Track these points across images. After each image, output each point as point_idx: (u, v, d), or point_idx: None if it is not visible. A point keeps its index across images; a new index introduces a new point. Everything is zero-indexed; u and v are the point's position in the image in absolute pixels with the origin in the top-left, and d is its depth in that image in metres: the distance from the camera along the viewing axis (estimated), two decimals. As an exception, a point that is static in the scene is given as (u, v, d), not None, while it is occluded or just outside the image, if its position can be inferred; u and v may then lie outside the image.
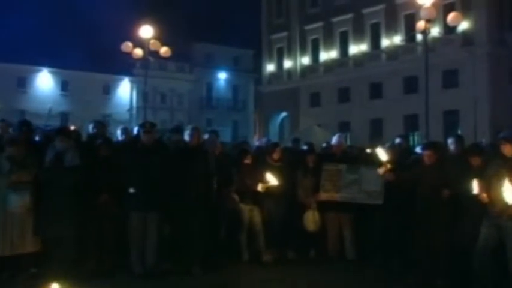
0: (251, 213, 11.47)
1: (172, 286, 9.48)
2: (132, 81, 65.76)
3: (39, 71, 65.05)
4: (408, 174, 10.26)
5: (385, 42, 47.30)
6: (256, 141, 20.97)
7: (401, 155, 11.55)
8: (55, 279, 8.31)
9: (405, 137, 13.56)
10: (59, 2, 62.44)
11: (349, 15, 49.90)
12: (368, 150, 13.73)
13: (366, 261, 11.26)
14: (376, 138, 34.66)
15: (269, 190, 11.44)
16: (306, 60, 54.61)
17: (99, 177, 9.87)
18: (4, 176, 9.39)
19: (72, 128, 14.00)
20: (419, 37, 37.34)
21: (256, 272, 10.76)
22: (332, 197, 11.73)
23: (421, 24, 24.64)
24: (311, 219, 11.68)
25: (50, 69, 64.90)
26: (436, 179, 9.63)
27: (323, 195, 11.76)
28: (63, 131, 10.66)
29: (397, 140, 12.99)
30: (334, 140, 12.70)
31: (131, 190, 9.90)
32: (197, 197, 10.19)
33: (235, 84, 73.87)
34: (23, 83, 64.38)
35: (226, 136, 44.93)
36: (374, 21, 48.40)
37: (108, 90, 67.98)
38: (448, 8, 36.10)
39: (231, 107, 72.57)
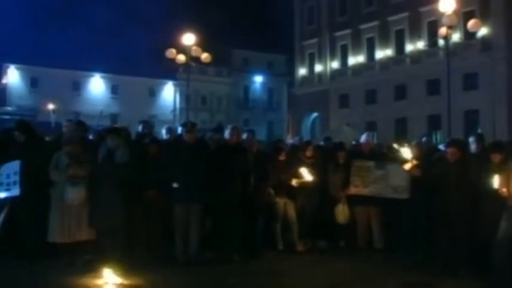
0: (285, 206, 11.48)
1: (213, 273, 9.47)
2: (175, 85, 66.10)
3: (92, 76, 65.83)
4: (433, 170, 10.18)
5: (409, 48, 47.13)
6: (289, 140, 20.91)
7: (427, 152, 11.49)
8: (108, 265, 8.47)
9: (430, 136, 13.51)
10: (111, 15, 63.00)
11: (375, 23, 49.77)
12: (395, 147, 13.71)
13: (393, 251, 11.20)
14: (401, 136, 34.49)
15: (302, 185, 11.46)
16: (335, 64, 54.52)
17: (147, 173, 9.96)
18: (62, 171, 9.52)
19: (122, 127, 14.11)
20: (441, 42, 37.15)
21: (290, 260, 10.74)
22: (361, 192, 11.66)
23: (442, 31, 24.60)
24: (341, 211, 11.65)
25: (102, 74, 65.63)
26: (459, 175, 9.54)
27: (353, 190, 11.70)
28: (114, 130, 10.75)
29: (424, 139, 12.96)
30: (363, 138, 12.64)
31: (175, 185, 9.95)
32: (236, 191, 10.21)
33: (270, 87, 73.84)
34: (77, 87, 65.20)
35: (261, 135, 44.91)
36: (399, 28, 48.20)
37: (153, 93, 68.43)
38: (468, 16, 35.74)
39: (266, 108, 72.54)
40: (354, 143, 14.46)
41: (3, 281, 8.34)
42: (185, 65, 31.28)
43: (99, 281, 8.32)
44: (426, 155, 11.12)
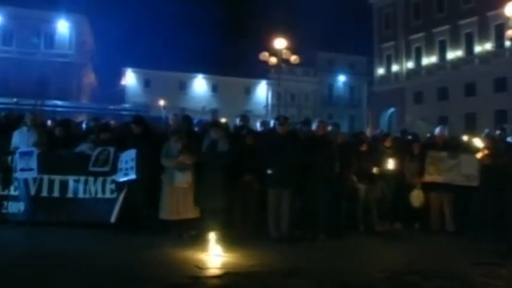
0: (366, 191, 11.35)
1: (302, 249, 9.45)
2: (268, 84, 66.21)
3: (195, 77, 66.78)
4: (502, 159, 9.87)
5: (477, 49, 45.90)
6: (368, 132, 20.64)
7: (498, 144, 11.21)
8: (210, 240, 8.57)
9: (504, 130, 13.15)
10: (212, 23, 63.76)
11: (447, 27, 48.69)
12: (465, 138, 13.41)
13: (464, 234, 10.92)
14: (471, 130, 33.59)
15: (382, 172, 11.33)
16: (410, 64, 53.61)
17: (244, 160, 10.02)
18: (172, 158, 9.69)
19: (223, 120, 14.26)
20: (507, 44, 35.95)
21: (370, 240, 10.63)
22: (435, 179, 11.47)
23: (509, 33, 23.77)
24: (416, 197, 11.52)
25: (204, 75, 66.49)
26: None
27: (427, 178, 11.52)
28: (216, 124, 10.88)
29: (498, 131, 12.76)
30: (437, 131, 12.39)
31: (269, 171, 9.97)
32: (322, 177, 10.13)
33: (351, 85, 73.10)
34: (183, 86, 66.34)
35: (344, 128, 44.44)
36: (468, 30, 47.06)
37: (248, 91, 68.80)
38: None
39: (348, 104, 71.82)
40: (428, 135, 14.17)
41: (121, 252, 8.55)
42: (276, 66, 31.27)
43: (203, 254, 8.42)
44: (496, 146, 10.83)
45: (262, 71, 55.39)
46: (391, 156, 11.50)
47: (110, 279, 6.99)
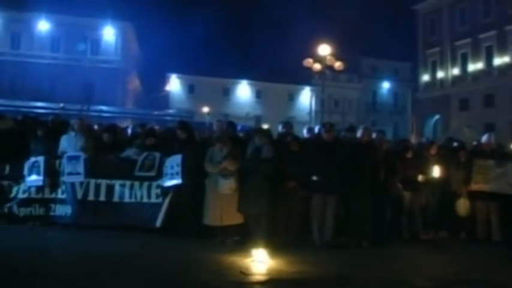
0: (411, 198, 11.24)
1: (345, 256, 9.39)
2: (311, 90, 66.05)
3: (239, 83, 67.04)
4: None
5: (525, 55, 44.76)
6: (413, 140, 20.42)
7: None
8: (253, 246, 8.59)
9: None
10: (254, 31, 64.04)
11: (493, 32, 47.63)
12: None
13: (510, 243, 10.72)
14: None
15: (427, 180, 11.20)
16: (456, 71, 52.69)
17: (288, 167, 10.01)
18: (215, 164, 9.75)
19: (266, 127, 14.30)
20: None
21: (414, 248, 10.53)
22: (482, 188, 11.32)
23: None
24: (462, 205, 11.39)
25: (248, 81, 66.69)
26: None
27: (474, 186, 11.37)
28: (260, 130, 10.91)
29: None
30: (485, 138, 12.22)
31: (314, 178, 9.95)
32: (367, 184, 10.06)
33: (395, 91, 72.42)
34: (227, 92, 66.66)
35: (388, 135, 44.11)
36: (516, 36, 45.95)
37: (292, 97, 68.74)
38: None
39: (392, 111, 71.15)
40: (475, 143, 13.95)
41: (165, 256, 8.63)
42: (320, 72, 31.24)
43: (246, 260, 8.43)
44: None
45: (306, 77, 55.43)
46: (436, 164, 11.37)
47: (155, 284, 7.06)
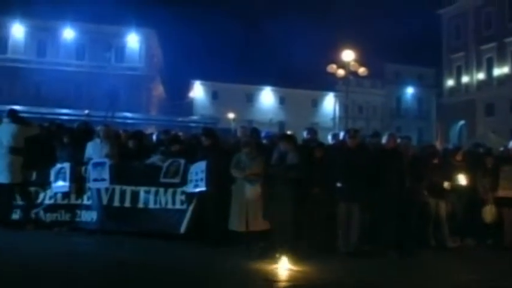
0: (437, 205, 11.12)
1: (371, 263, 9.32)
2: (335, 96, 65.94)
3: (262, 89, 67.19)
4: None
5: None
6: (438, 145, 20.25)
7: None
8: (279, 252, 8.58)
9: None
10: (279, 35, 64.13)
11: (520, 36, 47.18)
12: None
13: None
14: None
15: (453, 187, 11.11)
16: (481, 75, 52.32)
17: (313, 173, 9.98)
18: (241, 170, 9.75)
19: (289, 133, 14.26)
20: None
21: (441, 256, 10.40)
22: (509, 194, 11.17)
23: None
24: (489, 212, 11.30)
25: (271, 87, 66.83)
26: None
27: (501, 193, 11.27)
28: (286, 136, 10.90)
29: None
30: (511, 144, 12.08)
31: (339, 184, 9.91)
32: (393, 191, 9.98)
33: (419, 97, 72.16)
34: (250, 98, 66.86)
35: (412, 141, 43.92)
36: (543, 39, 45.42)
37: (315, 103, 68.75)
38: None
39: (416, 117, 70.82)
40: (501, 149, 13.80)
41: (189, 262, 8.66)
42: (344, 78, 31.17)
43: (271, 266, 8.42)
44: None
45: (330, 83, 55.27)
46: (462, 170, 11.28)
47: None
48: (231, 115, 55.43)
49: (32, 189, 11.17)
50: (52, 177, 11.02)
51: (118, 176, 10.80)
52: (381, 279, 8.22)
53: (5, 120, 11.19)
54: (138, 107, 49.81)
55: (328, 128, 48.18)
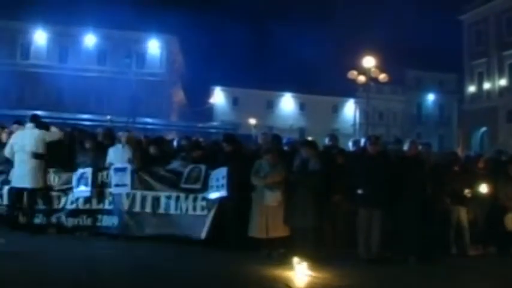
0: (458, 213, 11.03)
1: (392, 271, 9.28)
2: (355, 102, 65.81)
3: (283, 95, 67.30)
4: None
5: None
6: (460, 152, 20.13)
7: None
8: (299, 258, 8.57)
9: None
10: (300, 42, 64.11)
11: (543, 42, 46.71)
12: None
13: None
14: None
15: (474, 194, 11.00)
16: (503, 81, 51.67)
17: (335, 180, 9.97)
18: (262, 177, 9.77)
19: (310, 139, 14.25)
20: None
21: (462, 264, 10.30)
22: (531, 202, 11.06)
23: None
24: (511, 220, 11.13)
25: (292, 94, 66.89)
26: None
27: (524, 200, 11.13)
28: (307, 142, 10.90)
29: None
30: (535, 151, 11.98)
31: (359, 191, 9.90)
32: (414, 198, 9.94)
33: (440, 103, 71.74)
34: (271, 104, 67.02)
35: (433, 148, 43.70)
36: None
37: (336, 109, 68.72)
38: None
39: (437, 123, 70.42)
40: (524, 156, 13.64)
41: (210, 268, 8.68)
42: (365, 84, 31.13)
43: (291, 272, 8.40)
44: None
45: (350, 90, 55.15)
46: (484, 177, 11.19)
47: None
48: (251, 121, 55.54)
49: (54, 194, 11.26)
50: (74, 182, 11.11)
51: (139, 181, 10.88)
52: (401, 286, 8.17)
53: (28, 125, 11.31)
54: (159, 112, 49.99)
55: (348, 135, 48.02)
